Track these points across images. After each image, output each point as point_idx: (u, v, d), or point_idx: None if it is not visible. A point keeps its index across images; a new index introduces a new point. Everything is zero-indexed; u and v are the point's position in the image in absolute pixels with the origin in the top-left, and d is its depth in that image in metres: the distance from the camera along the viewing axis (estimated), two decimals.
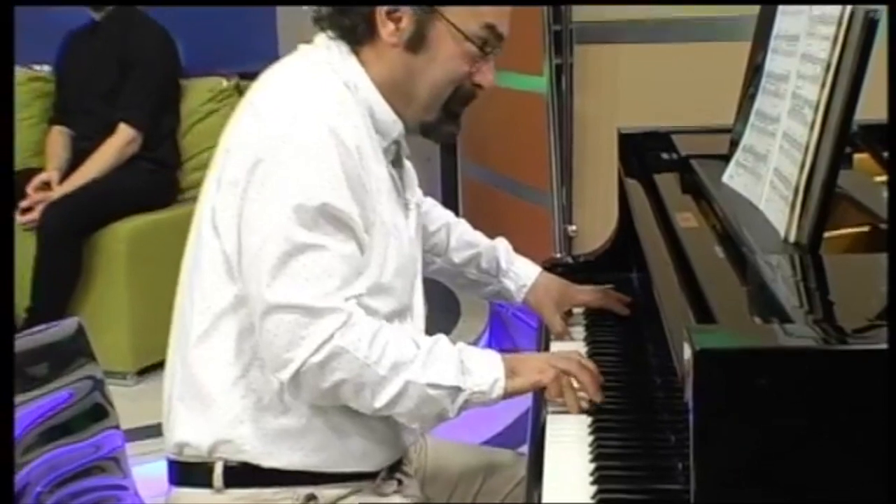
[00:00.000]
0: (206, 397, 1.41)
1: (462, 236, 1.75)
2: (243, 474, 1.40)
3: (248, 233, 1.34)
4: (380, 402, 1.33)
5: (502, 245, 1.76)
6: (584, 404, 1.40)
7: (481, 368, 1.37)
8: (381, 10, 1.40)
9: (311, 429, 1.39)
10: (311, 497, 1.40)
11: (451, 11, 1.40)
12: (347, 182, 1.33)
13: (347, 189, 1.33)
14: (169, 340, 1.49)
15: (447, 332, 4.18)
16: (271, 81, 1.45)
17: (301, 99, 1.38)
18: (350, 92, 1.41)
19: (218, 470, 1.40)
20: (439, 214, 1.76)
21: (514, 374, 1.38)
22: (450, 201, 4.36)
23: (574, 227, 3.37)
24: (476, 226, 1.80)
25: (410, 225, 1.52)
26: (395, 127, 1.45)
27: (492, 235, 1.80)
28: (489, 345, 3.75)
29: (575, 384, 1.40)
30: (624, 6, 3.17)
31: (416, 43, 1.41)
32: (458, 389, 1.34)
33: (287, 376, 1.31)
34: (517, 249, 1.79)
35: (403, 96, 1.45)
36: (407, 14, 1.40)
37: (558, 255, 3.01)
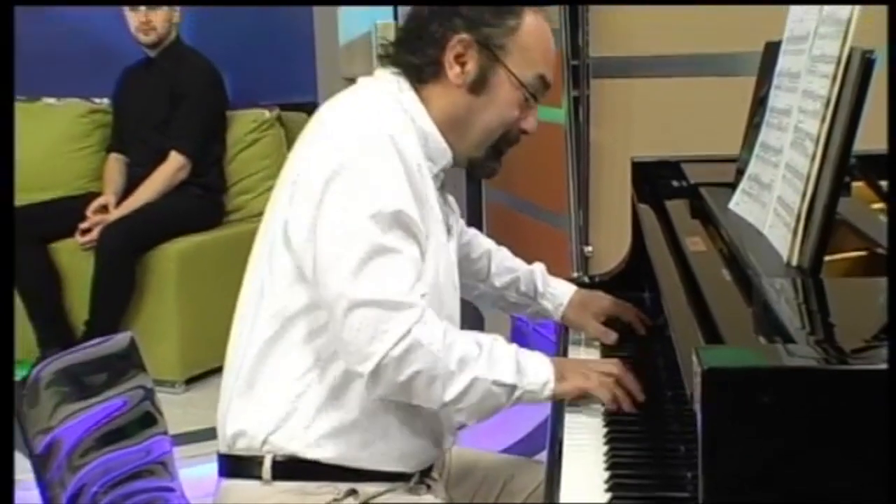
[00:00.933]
0: (266, 393, 1.42)
1: (502, 262, 1.76)
2: (290, 468, 1.41)
3: (327, 239, 1.35)
4: (449, 395, 1.33)
5: (539, 269, 1.77)
6: (626, 406, 1.40)
7: (535, 369, 1.38)
8: (451, 54, 1.43)
9: (358, 427, 1.40)
10: (352, 492, 1.40)
11: (512, 60, 1.44)
12: (413, 192, 1.36)
13: (413, 199, 1.36)
14: (229, 345, 1.50)
15: None
16: (338, 105, 1.48)
17: (366, 118, 1.42)
18: (408, 118, 1.43)
19: (267, 463, 1.41)
20: (481, 243, 1.77)
21: (562, 378, 1.39)
22: (475, 223, 4.35)
23: (590, 248, 3.36)
24: (499, 243, 1.80)
25: (451, 248, 1.53)
26: (445, 156, 1.48)
27: (514, 255, 1.80)
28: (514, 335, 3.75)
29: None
30: (637, 43, 3.17)
31: (478, 86, 1.45)
32: (514, 387, 1.35)
33: (369, 368, 1.31)
34: None
35: (458, 132, 1.47)
36: (473, 59, 1.44)
37: (575, 275, 3.00)
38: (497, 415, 1.41)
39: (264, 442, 1.41)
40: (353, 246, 1.32)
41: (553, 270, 1.80)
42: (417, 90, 1.46)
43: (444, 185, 1.54)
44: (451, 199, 1.59)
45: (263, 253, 1.45)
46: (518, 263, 1.77)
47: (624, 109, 3.24)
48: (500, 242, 1.82)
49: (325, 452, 1.40)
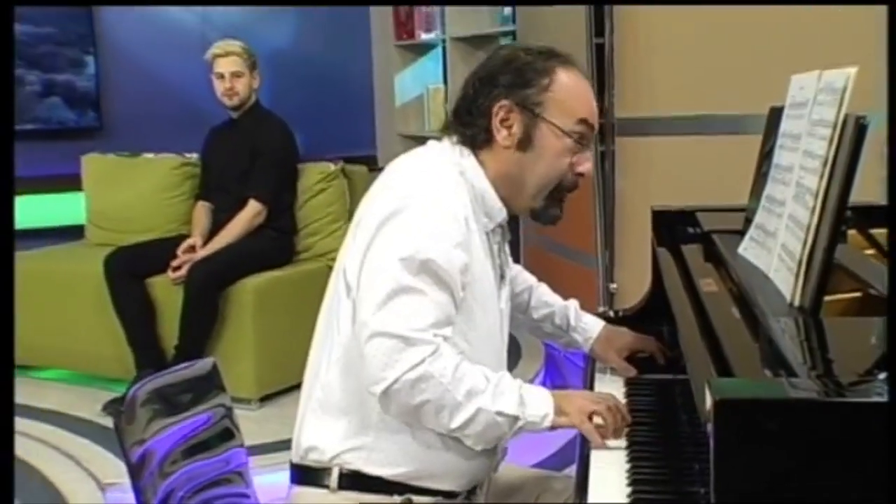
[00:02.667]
0: (337, 416, 1.42)
1: (541, 297, 1.75)
2: (354, 480, 1.41)
3: (365, 276, 1.36)
4: (455, 423, 1.33)
5: (573, 305, 1.76)
6: (612, 442, 1.38)
7: (536, 403, 1.36)
8: (497, 119, 1.43)
9: (420, 451, 1.40)
10: (408, 501, 1.40)
11: (551, 113, 1.43)
12: (452, 244, 1.35)
13: (453, 250, 1.35)
14: (307, 369, 1.51)
15: (510, 370, 4.15)
16: (402, 165, 1.49)
17: (423, 177, 1.42)
18: (464, 179, 1.43)
19: (334, 475, 1.41)
20: (524, 279, 1.77)
21: (561, 412, 1.37)
22: (514, 261, 4.36)
23: (615, 285, 3.34)
24: (539, 281, 1.79)
25: (503, 297, 1.52)
26: (501, 213, 1.47)
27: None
28: (544, 381, 3.72)
29: (600, 420, 1.39)
30: (656, 106, 3.16)
31: (525, 143, 1.44)
32: (516, 418, 1.34)
33: (379, 391, 1.31)
34: None
35: (515, 188, 1.46)
36: (517, 120, 1.43)
37: (602, 309, 2.97)
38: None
39: (334, 457, 1.41)
40: (382, 283, 1.32)
41: (582, 305, 1.80)
42: (476, 155, 1.46)
43: (504, 238, 1.53)
44: (506, 249, 1.57)
45: (333, 292, 1.47)
46: (555, 299, 1.76)
47: (645, 163, 3.23)
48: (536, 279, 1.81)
49: (387, 471, 1.40)
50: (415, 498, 1.41)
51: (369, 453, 1.40)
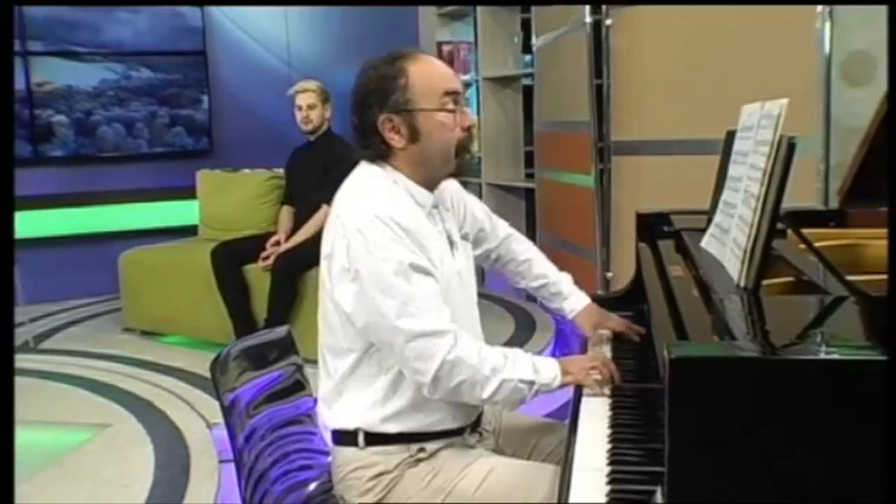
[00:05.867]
0: (350, 397, 1.40)
1: (539, 268, 1.69)
2: (376, 438, 1.39)
3: (370, 301, 1.28)
4: (486, 394, 1.31)
5: (567, 278, 1.71)
6: (607, 389, 1.39)
7: (546, 368, 1.35)
8: (385, 131, 1.34)
9: (415, 409, 1.37)
10: (421, 449, 1.38)
11: (419, 102, 1.33)
12: (414, 244, 1.30)
13: (416, 249, 1.30)
14: (320, 366, 1.48)
15: (526, 340, 4.13)
16: (346, 204, 1.38)
17: (361, 199, 1.34)
18: (396, 185, 1.37)
19: (360, 436, 1.39)
20: (524, 249, 1.69)
21: (566, 372, 1.37)
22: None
23: (611, 274, 3.31)
24: None
25: (458, 259, 1.43)
26: (428, 199, 1.39)
27: None
28: (554, 349, 3.70)
29: (598, 376, 1.39)
30: (645, 131, 3.13)
31: (416, 135, 1.35)
32: (533, 383, 1.33)
33: (428, 379, 1.29)
34: None
35: (428, 168, 1.38)
36: (399, 123, 1.34)
37: (599, 292, 2.97)
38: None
39: (357, 423, 1.39)
40: (391, 298, 1.27)
41: (584, 289, 1.77)
42: (389, 162, 1.38)
43: (438, 211, 1.43)
44: (449, 217, 1.47)
45: (326, 307, 1.41)
46: (552, 270, 1.69)
47: (636, 178, 3.20)
48: None
49: (395, 427, 1.37)
50: (427, 445, 1.38)
51: (380, 418, 1.37)
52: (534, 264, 1.69)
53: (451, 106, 1.35)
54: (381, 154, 1.38)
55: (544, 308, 1.52)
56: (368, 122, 1.36)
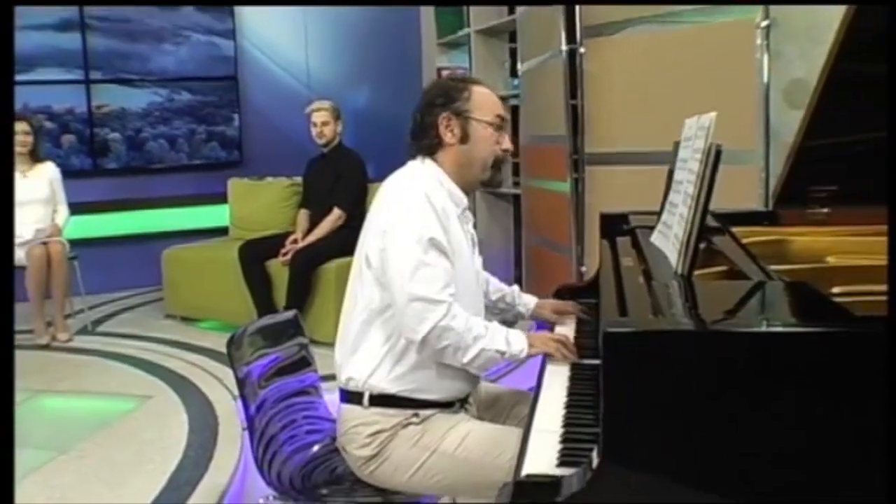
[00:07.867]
0: (363, 355, 1.41)
1: (496, 285, 1.71)
2: (380, 399, 1.39)
3: (392, 259, 1.33)
4: (466, 358, 1.33)
5: (516, 289, 1.73)
6: (569, 358, 1.41)
7: (516, 341, 1.38)
8: (442, 127, 1.41)
9: (417, 374, 1.38)
10: (415, 414, 1.39)
11: (476, 113, 1.42)
12: (441, 225, 1.34)
13: (441, 229, 1.34)
14: (341, 323, 1.49)
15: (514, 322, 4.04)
16: (395, 180, 1.44)
17: (409, 188, 1.39)
18: (437, 182, 1.42)
19: (366, 396, 1.40)
20: (486, 273, 1.72)
21: (532, 346, 1.39)
22: (517, 255, 4.34)
23: (584, 268, 3.31)
24: (532, 268, 1.76)
25: (476, 260, 1.50)
26: (463, 201, 1.45)
27: (542, 272, 1.75)
28: (537, 328, 3.69)
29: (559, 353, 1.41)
30: (615, 143, 3.13)
31: (465, 137, 1.42)
32: (504, 352, 1.36)
33: (418, 338, 1.31)
34: (551, 283, 1.76)
35: (466, 169, 1.43)
36: (455, 124, 1.41)
37: (573, 282, 2.97)
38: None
39: (364, 384, 1.39)
40: (407, 261, 1.31)
41: (561, 280, 1.77)
42: (435, 160, 1.44)
43: (466, 215, 1.47)
44: (473, 227, 1.52)
45: (356, 270, 1.44)
46: (504, 287, 1.72)
47: (606, 185, 3.20)
48: (532, 265, 1.77)
49: (398, 388, 1.38)
50: (421, 412, 1.39)
51: (386, 379, 1.38)
52: (491, 282, 1.72)
53: (498, 125, 1.44)
54: (431, 147, 1.43)
55: (505, 323, 1.51)
56: (430, 118, 1.42)
